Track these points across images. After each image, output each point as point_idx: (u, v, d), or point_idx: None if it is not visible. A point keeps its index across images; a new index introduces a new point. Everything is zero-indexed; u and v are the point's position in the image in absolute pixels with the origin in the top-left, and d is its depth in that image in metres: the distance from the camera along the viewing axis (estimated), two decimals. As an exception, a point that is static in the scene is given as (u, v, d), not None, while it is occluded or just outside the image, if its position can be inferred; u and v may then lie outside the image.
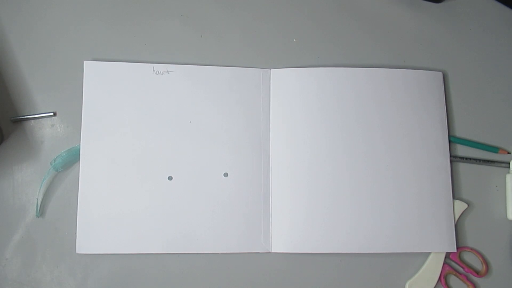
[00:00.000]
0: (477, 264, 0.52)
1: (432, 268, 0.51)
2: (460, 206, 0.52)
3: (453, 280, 0.52)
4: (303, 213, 0.51)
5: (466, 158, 0.54)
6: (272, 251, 0.50)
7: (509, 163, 0.54)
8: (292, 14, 0.57)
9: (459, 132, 0.55)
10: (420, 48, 0.57)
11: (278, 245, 0.50)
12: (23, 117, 0.52)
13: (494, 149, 0.55)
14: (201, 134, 0.52)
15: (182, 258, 0.50)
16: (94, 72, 0.52)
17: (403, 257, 0.52)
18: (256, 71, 0.54)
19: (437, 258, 0.51)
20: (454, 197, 0.53)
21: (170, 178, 0.51)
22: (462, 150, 0.55)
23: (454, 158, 0.54)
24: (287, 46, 0.56)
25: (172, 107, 0.52)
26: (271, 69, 0.54)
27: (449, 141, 0.54)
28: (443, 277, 0.51)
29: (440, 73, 0.56)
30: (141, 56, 0.54)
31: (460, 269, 0.52)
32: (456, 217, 0.52)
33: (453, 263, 0.52)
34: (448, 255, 0.52)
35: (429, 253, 0.52)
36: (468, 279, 0.51)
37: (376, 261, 0.52)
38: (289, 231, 0.50)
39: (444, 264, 0.51)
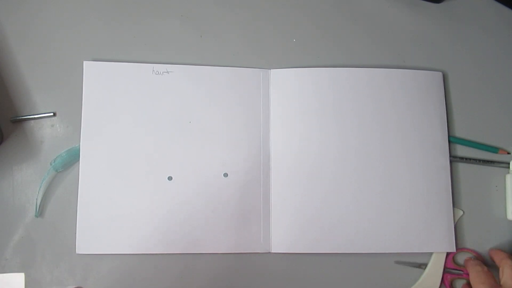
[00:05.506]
0: (477, 264, 0.52)
1: (433, 268, 0.51)
2: (456, 213, 0.52)
3: (453, 280, 0.52)
4: (303, 213, 0.51)
5: (466, 158, 0.54)
6: (272, 251, 0.50)
7: (509, 163, 0.54)
8: (292, 14, 0.57)
9: (459, 132, 0.55)
10: (419, 48, 0.57)
11: (278, 245, 0.50)
12: (23, 117, 0.52)
13: (494, 149, 0.55)
14: (201, 134, 0.52)
15: (182, 258, 0.50)
16: (94, 72, 0.52)
17: (403, 257, 0.52)
18: (256, 71, 0.54)
19: (437, 258, 0.51)
20: (453, 198, 0.53)
21: (170, 178, 0.51)
22: (462, 150, 0.55)
23: (454, 158, 0.54)
24: (286, 46, 0.56)
25: (172, 107, 0.52)
26: (271, 69, 0.54)
27: (449, 141, 0.54)
28: (444, 278, 0.51)
29: (440, 73, 0.56)
30: (141, 56, 0.54)
31: (460, 270, 0.52)
32: (456, 218, 0.52)
33: (453, 264, 0.52)
34: (448, 255, 0.52)
35: (430, 254, 0.52)
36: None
37: (376, 261, 0.52)
38: (289, 231, 0.50)
39: (444, 264, 0.51)
